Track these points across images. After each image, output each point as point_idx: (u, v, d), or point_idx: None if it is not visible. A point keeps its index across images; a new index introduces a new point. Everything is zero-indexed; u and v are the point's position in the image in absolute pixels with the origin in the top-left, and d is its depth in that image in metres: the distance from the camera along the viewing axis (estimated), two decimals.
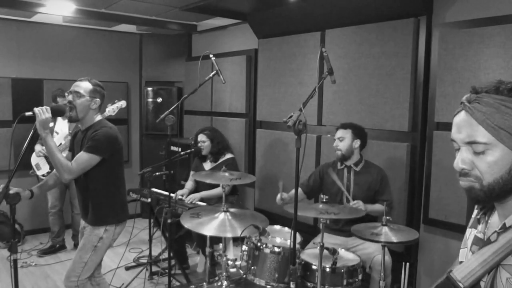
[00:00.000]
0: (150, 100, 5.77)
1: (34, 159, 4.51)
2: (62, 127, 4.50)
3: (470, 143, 1.02)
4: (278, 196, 3.07)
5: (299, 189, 3.26)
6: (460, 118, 1.04)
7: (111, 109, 4.09)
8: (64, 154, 4.38)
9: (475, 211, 1.23)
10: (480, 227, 1.16)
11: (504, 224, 1.04)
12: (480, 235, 1.14)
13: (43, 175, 4.41)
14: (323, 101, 3.89)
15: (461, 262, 1.20)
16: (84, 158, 2.58)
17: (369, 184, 3.09)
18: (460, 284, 1.04)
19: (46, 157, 4.41)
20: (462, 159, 1.04)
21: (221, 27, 5.24)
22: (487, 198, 1.03)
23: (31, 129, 2.48)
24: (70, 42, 5.40)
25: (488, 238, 1.07)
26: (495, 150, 0.99)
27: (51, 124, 4.50)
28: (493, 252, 1.02)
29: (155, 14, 4.78)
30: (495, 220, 1.12)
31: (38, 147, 4.45)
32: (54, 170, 2.85)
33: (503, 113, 0.98)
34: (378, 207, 3.00)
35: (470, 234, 1.20)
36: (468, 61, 2.92)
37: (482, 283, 1.04)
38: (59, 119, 4.50)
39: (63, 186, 4.62)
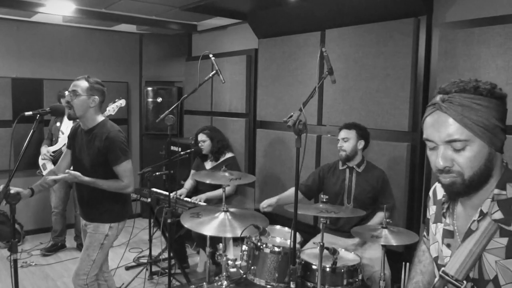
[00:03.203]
0: (150, 100, 5.77)
1: (41, 160, 4.52)
2: (68, 126, 4.49)
3: (450, 141, 1.07)
4: (262, 206, 3.09)
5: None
6: (436, 118, 1.10)
7: (111, 108, 4.09)
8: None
9: (433, 207, 1.30)
10: (447, 220, 1.22)
11: (481, 211, 1.10)
12: (450, 227, 1.20)
13: None
14: (323, 101, 3.89)
15: (435, 257, 1.27)
16: (122, 169, 2.67)
17: (370, 186, 3.08)
18: (453, 280, 1.09)
19: (52, 160, 4.41)
20: (443, 157, 1.08)
21: (221, 27, 5.24)
22: (467, 189, 1.10)
23: (31, 129, 2.48)
24: (70, 42, 5.40)
25: (469, 228, 1.12)
26: (473, 146, 1.06)
27: (58, 124, 4.52)
28: (476, 241, 1.08)
29: (155, 14, 4.78)
30: (460, 211, 1.19)
31: (43, 150, 4.45)
32: (53, 168, 2.87)
33: (476, 110, 1.05)
34: (378, 219, 2.98)
35: (437, 228, 1.26)
36: (468, 61, 2.91)
37: (470, 273, 1.10)
38: (65, 119, 4.50)
39: (68, 186, 4.62)
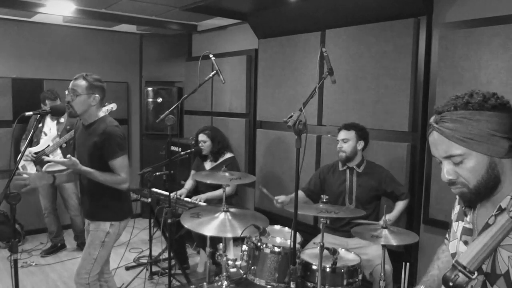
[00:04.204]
0: (150, 100, 5.78)
1: (22, 161, 4.38)
2: (51, 128, 4.46)
3: (448, 157, 1.17)
4: (277, 199, 3.08)
5: (302, 193, 3.27)
6: (434, 138, 1.19)
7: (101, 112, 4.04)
8: (57, 156, 4.29)
9: (457, 207, 1.39)
10: (468, 217, 1.28)
11: (500, 206, 1.16)
12: (469, 226, 1.27)
13: None
14: (323, 101, 3.89)
15: (453, 254, 1.33)
16: (118, 164, 2.65)
17: (373, 185, 3.08)
18: (465, 270, 1.12)
19: (33, 162, 4.33)
20: (446, 171, 1.18)
21: (221, 27, 5.24)
22: (477, 198, 1.18)
23: (31, 129, 2.48)
24: (70, 42, 5.40)
25: (487, 222, 1.17)
26: (470, 158, 1.14)
27: (40, 125, 4.46)
28: (492, 234, 1.13)
29: (155, 14, 4.78)
30: (481, 209, 1.25)
31: (26, 151, 4.36)
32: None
33: (466, 124, 1.13)
34: (400, 207, 3.03)
35: (458, 226, 1.34)
36: (468, 61, 2.92)
37: (483, 266, 1.14)
38: (48, 120, 4.46)
39: (53, 187, 4.56)
